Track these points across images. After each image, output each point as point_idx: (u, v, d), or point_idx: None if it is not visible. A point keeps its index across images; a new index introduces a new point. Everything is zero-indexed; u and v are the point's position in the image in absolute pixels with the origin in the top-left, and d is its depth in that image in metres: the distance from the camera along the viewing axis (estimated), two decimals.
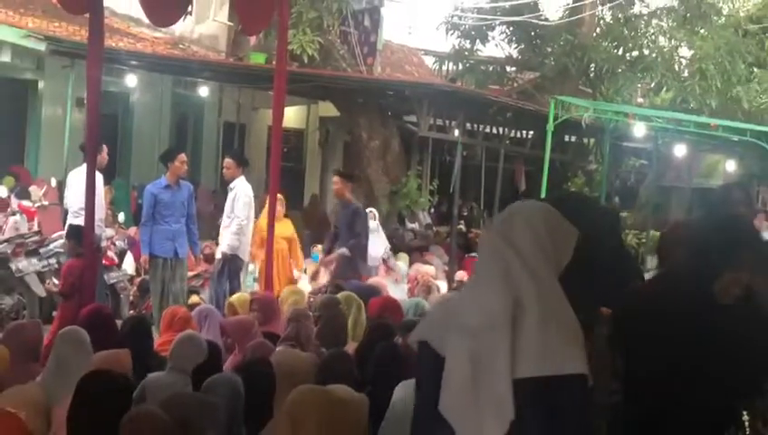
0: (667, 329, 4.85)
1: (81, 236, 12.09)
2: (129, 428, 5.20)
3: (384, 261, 18.06)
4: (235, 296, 12.10)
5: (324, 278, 14.97)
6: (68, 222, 14.14)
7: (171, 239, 13.86)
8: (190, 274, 16.18)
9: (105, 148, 13.80)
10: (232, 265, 14.73)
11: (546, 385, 4.00)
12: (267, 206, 15.55)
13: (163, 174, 14.39)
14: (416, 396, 4.55)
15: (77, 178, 13.36)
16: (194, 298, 15.42)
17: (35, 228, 15.97)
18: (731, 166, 27.64)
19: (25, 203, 16.67)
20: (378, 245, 17.86)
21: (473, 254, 21.08)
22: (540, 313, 4.07)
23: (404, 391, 6.23)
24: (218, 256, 14.72)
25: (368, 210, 18.32)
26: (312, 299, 12.45)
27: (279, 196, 16.68)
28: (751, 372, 4.88)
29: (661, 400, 4.74)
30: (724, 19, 29.63)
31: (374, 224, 18.09)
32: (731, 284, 4.97)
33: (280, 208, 16.42)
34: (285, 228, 16.41)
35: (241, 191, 14.93)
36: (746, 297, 5.02)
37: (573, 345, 4.07)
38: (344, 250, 14.57)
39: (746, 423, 4.48)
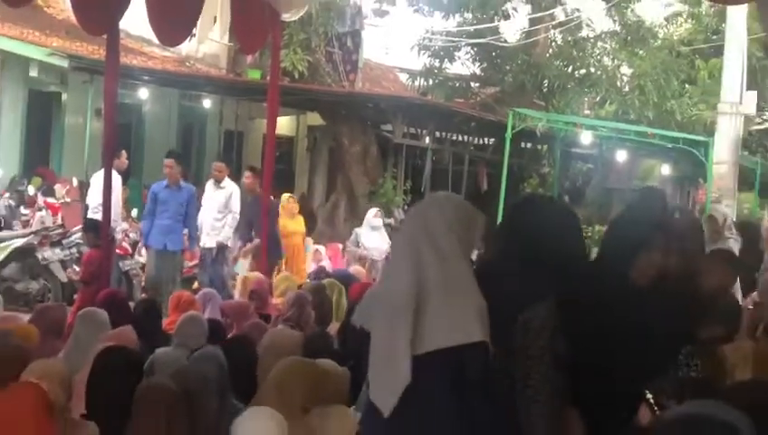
0: (589, 315, 4.83)
1: (97, 230, 12.13)
2: (144, 396, 5.21)
3: (388, 256, 18.08)
4: (251, 274, 12.22)
5: (245, 264, 15.00)
6: (88, 217, 14.19)
7: (163, 234, 13.79)
8: (189, 263, 16.19)
9: (124, 153, 13.83)
10: (227, 252, 14.81)
11: (451, 354, 4.17)
12: (285, 205, 16.17)
13: None
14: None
15: (98, 180, 13.36)
16: (196, 284, 15.41)
17: (59, 222, 15.95)
18: (666, 170, 27.72)
19: (50, 200, 16.68)
20: (382, 240, 17.95)
21: None
22: (443, 295, 4.23)
23: None
24: (211, 244, 14.68)
25: (375, 210, 18.51)
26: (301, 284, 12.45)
27: (292, 196, 16.94)
28: (659, 352, 4.87)
29: (588, 379, 4.72)
30: (659, 42, 29.77)
31: (378, 221, 18.20)
32: (646, 266, 4.95)
33: (294, 207, 16.61)
34: (299, 225, 16.76)
35: (236, 190, 14.99)
36: (661, 278, 5.00)
37: (472, 319, 4.20)
38: (257, 240, 14.47)
39: (651, 400, 4.46)
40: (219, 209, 14.85)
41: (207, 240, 14.68)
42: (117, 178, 12.38)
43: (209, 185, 15.37)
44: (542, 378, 4.47)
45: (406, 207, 24.77)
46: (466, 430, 4.27)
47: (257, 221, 14.34)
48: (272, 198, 14.96)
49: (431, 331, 4.22)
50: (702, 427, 2.28)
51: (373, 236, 17.86)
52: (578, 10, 29.02)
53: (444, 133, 27.15)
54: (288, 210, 16.51)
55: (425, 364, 4.21)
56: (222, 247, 14.77)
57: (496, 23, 29.40)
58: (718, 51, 25.06)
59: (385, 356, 4.30)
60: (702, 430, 2.27)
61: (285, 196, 17.34)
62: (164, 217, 13.82)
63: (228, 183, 15.05)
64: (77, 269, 14.20)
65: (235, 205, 14.93)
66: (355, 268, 14.74)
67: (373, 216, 18.06)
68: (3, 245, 14.81)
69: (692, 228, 6.65)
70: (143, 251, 16.81)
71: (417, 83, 31.81)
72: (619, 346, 4.76)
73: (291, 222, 16.37)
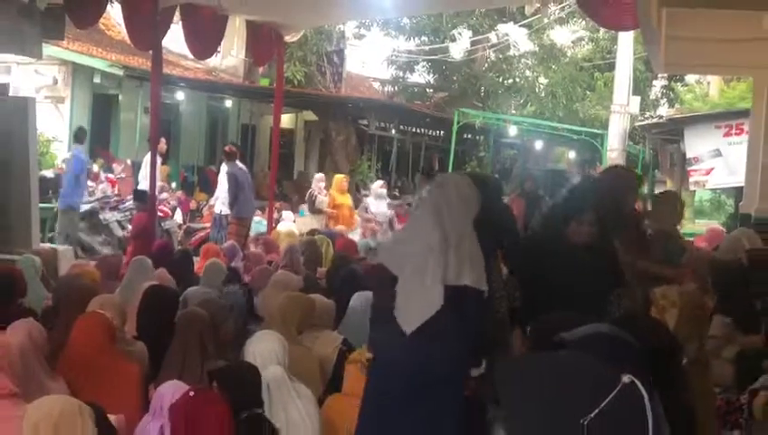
0: (536, 262, 4.97)
1: (143, 198, 12.09)
2: (183, 321, 5.24)
3: (390, 220, 18.03)
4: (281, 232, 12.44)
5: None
6: (137, 188, 14.14)
7: None
8: (206, 224, 16.04)
9: (164, 140, 13.69)
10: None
11: (457, 290, 4.26)
12: (338, 183, 16.47)
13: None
14: (374, 298, 4.84)
15: (146, 161, 13.31)
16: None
17: (116, 192, 15.93)
18: (572, 154, 27.88)
19: (110, 175, 16.63)
20: (385, 207, 17.91)
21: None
22: (455, 247, 4.32)
23: (358, 299, 6.29)
24: (225, 211, 14.43)
25: (381, 181, 18.58)
26: (297, 239, 12.41)
27: (346, 176, 17.55)
28: (592, 294, 4.93)
29: (534, 308, 4.83)
30: (567, 59, 29.84)
31: (383, 191, 18.17)
32: (577, 230, 5.03)
33: (345, 185, 16.81)
34: (346, 199, 16.71)
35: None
36: (593, 240, 5.10)
37: (473, 268, 4.32)
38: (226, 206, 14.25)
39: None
40: (224, 187, 14.63)
41: (223, 208, 14.54)
42: (158, 160, 12.30)
43: (222, 166, 15.17)
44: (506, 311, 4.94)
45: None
46: (454, 339, 4.37)
47: (230, 190, 14.22)
48: (245, 169, 14.89)
49: (445, 273, 4.33)
50: (598, 340, 2.29)
51: (377, 204, 17.86)
52: (507, 35, 29.01)
53: (406, 126, 27.25)
54: (339, 188, 16.54)
55: None
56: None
57: (446, 44, 29.40)
58: (611, 66, 25.13)
59: (416, 287, 4.32)
60: (601, 343, 2.28)
61: (340, 176, 17.43)
62: None
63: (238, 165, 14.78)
64: (129, 227, 14.17)
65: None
66: (339, 228, 14.76)
67: (379, 187, 18.00)
68: None
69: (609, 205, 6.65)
70: (179, 214, 16.81)
71: (386, 89, 31.82)
72: (562, 287, 4.86)
73: (340, 196, 16.37)
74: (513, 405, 2.12)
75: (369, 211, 17.52)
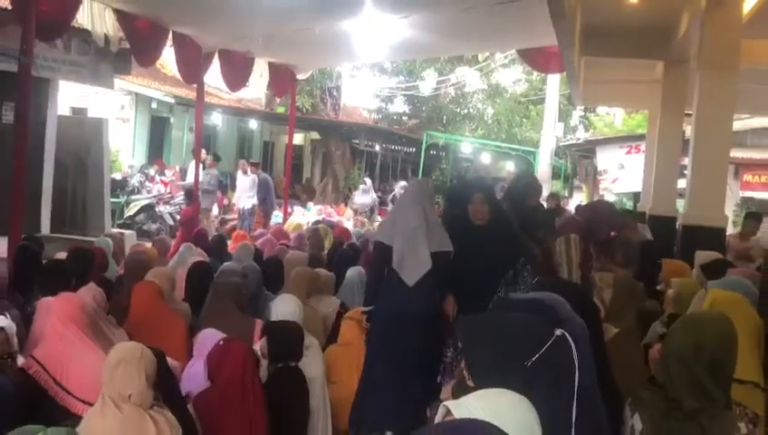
0: (455, 242, 4.96)
1: (189, 196, 12.06)
2: (222, 286, 5.18)
3: (371, 210, 17.95)
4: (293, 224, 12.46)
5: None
6: (186, 188, 14.10)
7: None
8: (235, 216, 15.94)
9: (204, 152, 13.63)
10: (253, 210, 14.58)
11: (438, 254, 4.76)
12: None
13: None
14: (373, 264, 5.18)
15: (191, 167, 13.25)
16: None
17: (168, 191, 15.85)
18: (510, 166, 27.87)
19: (163, 178, 16.54)
20: (367, 199, 17.88)
21: (384, 207, 21.05)
22: (433, 225, 4.83)
23: (351, 272, 6.32)
24: (248, 206, 14.42)
25: (366, 179, 18.50)
26: (305, 228, 12.38)
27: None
28: (493, 265, 4.89)
29: (458, 282, 4.89)
30: (509, 95, 29.94)
31: (367, 187, 18.12)
32: (472, 213, 4.95)
33: None
34: None
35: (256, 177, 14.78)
36: (491, 220, 4.96)
37: (445, 240, 4.82)
38: (255, 202, 14.34)
39: None
40: (245, 188, 14.62)
41: (246, 203, 14.50)
42: (200, 167, 12.30)
43: (239, 173, 15.11)
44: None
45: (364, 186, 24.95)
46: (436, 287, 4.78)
47: (261, 192, 14.33)
48: (268, 176, 14.96)
49: (429, 242, 4.75)
50: (537, 303, 2.28)
51: (361, 197, 17.87)
52: (464, 76, 29.12)
53: (387, 145, 27.33)
54: None
55: None
56: (252, 208, 14.52)
57: (417, 82, 29.45)
58: (542, 100, 25.22)
59: (411, 254, 4.73)
60: (540, 304, 2.27)
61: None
62: None
63: (251, 172, 14.72)
64: (177, 218, 14.11)
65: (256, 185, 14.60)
66: (338, 220, 14.75)
67: (361, 184, 18.06)
68: (136, 202, 14.76)
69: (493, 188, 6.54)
70: (215, 207, 16.74)
71: (372, 116, 31.77)
72: (474, 259, 4.82)
73: None
74: (473, 352, 2.13)
75: (354, 202, 17.58)
